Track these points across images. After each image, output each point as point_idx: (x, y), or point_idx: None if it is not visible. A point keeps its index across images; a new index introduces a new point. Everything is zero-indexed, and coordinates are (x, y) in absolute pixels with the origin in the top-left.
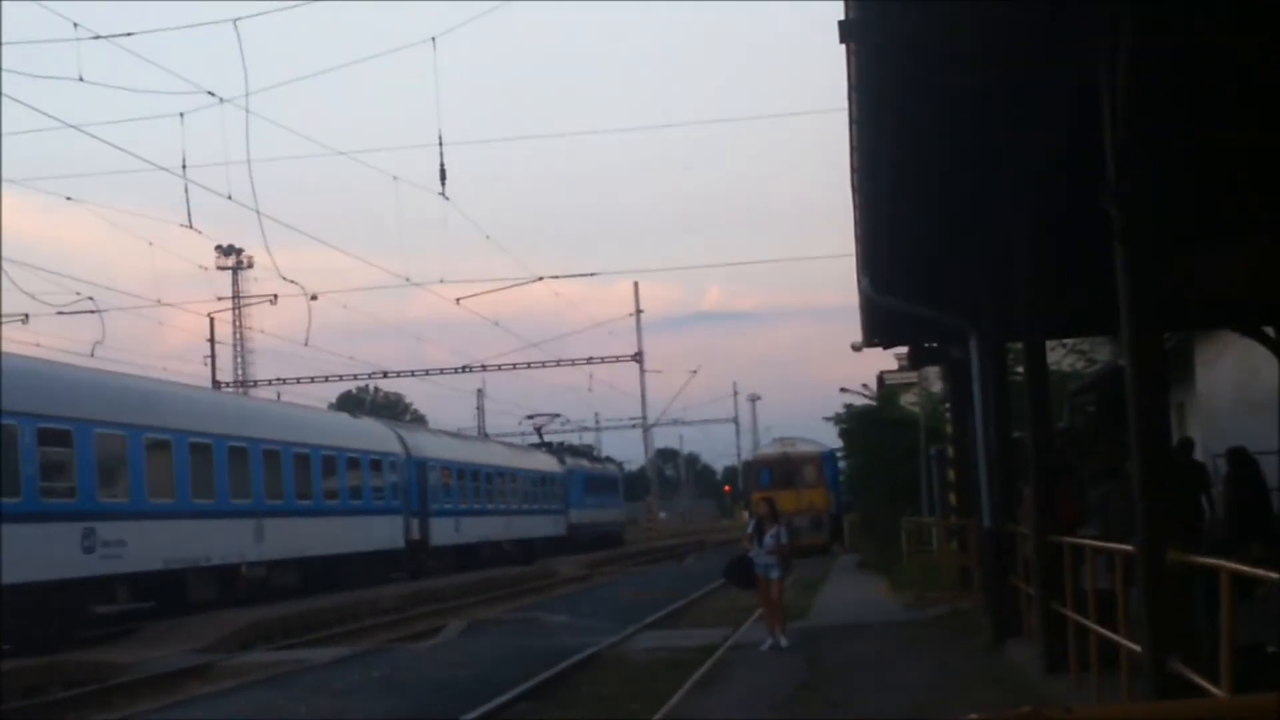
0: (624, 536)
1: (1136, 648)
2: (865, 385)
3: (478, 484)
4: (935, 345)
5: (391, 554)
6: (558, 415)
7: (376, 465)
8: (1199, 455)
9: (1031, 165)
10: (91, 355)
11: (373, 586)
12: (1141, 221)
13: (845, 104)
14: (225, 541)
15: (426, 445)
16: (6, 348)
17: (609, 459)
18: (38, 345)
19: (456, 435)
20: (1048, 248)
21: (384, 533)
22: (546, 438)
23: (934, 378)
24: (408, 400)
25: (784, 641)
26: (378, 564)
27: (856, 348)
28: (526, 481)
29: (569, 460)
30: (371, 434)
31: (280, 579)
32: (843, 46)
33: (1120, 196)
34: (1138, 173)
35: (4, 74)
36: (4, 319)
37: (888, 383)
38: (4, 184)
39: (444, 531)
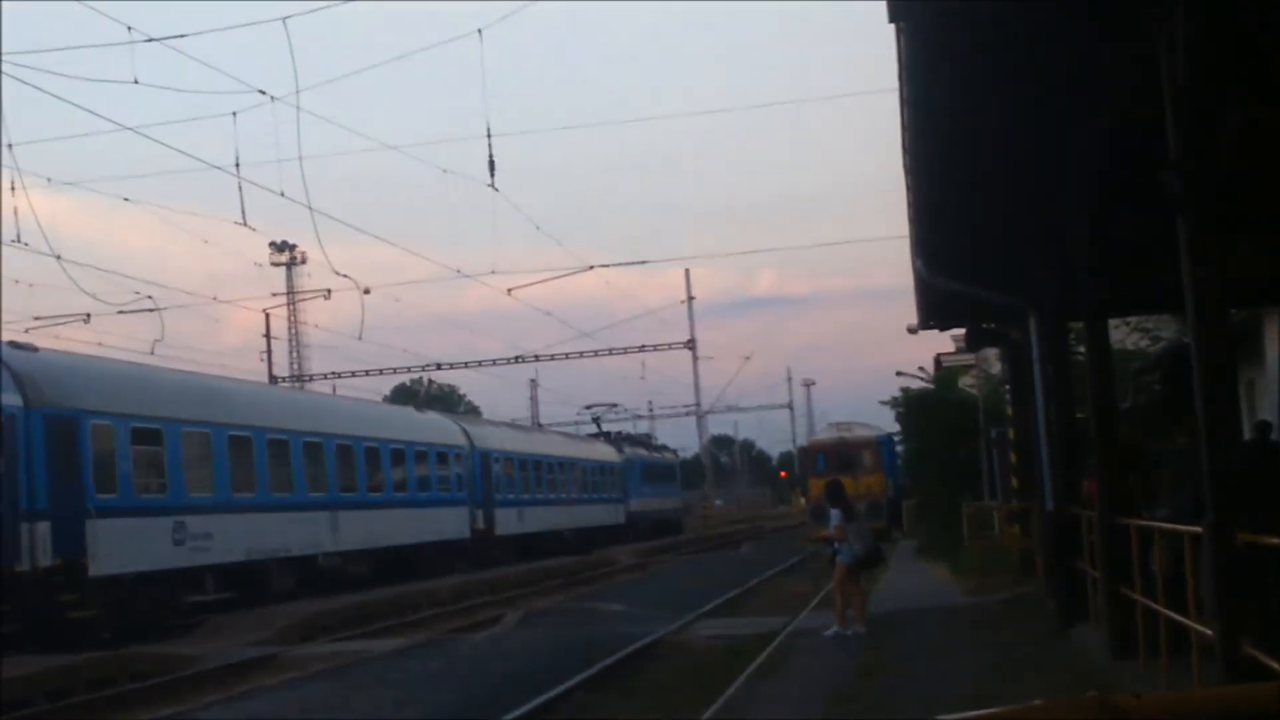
0: (682, 524)
1: (1208, 631)
2: (922, 368)
3: (539, 474)
4: (993, 326)
5: (458, 544)
6: (615, 405)
7: (443, 457)
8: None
9: (1091, 141)
10: (151, 353)
11: (441, 576)
12: (1204, 196)
13: (896, 84)
14: (303, 534)
15: (490, 437)
16: (71, 347)
17: (666, 447)
18: (99, 345)
19: (518, 427)
20: (1109, 224)
21: (451, 523)
22: (604, 427)
23: (993, 359)
24: (461, 392)
25: (850, 630)
26: (445, 554)
27: (912, 330)
28: (586, 471)
29: (627, 449)
30: (437, 427)
31: (354, 569)
32: (892, 26)
33: (1182, 171)
34: (1200, 147)
35: (60, 78)
36: (68, 319)
37: (945, 365)
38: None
39: (508, 521)
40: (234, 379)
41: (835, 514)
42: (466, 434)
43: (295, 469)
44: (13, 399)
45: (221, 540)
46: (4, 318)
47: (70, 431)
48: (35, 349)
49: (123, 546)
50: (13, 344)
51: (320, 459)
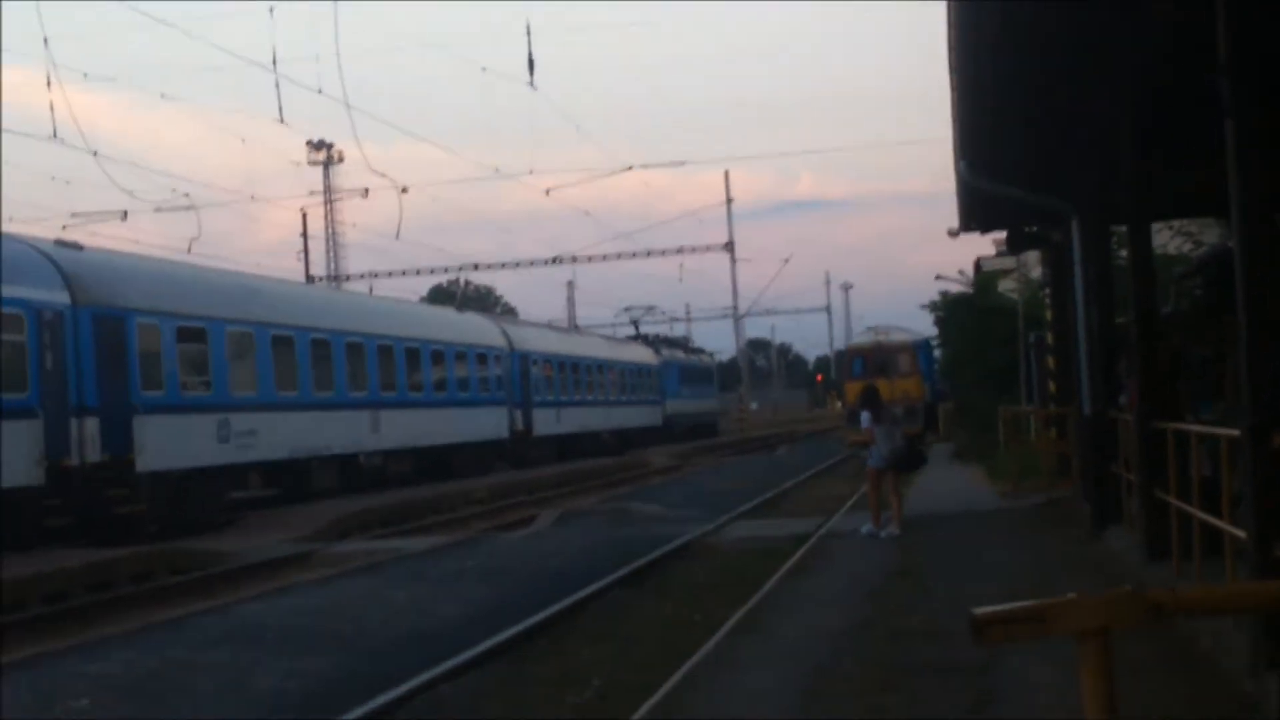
0: (719, 426)
1: (1241, 534)
2: (961, 272)
3: (577, 376)
4: (1035, 229)
5: (497, 444)
6: (654, 308)
7: (482, 358)
8: None
9: (1138, 42)
10: (188, 251)
11: (480, 476)
12: (1253, 98)
13: None
14: (344, 432)
15: (529, 339)
16: (109, 245)
17: (703, 350)
18: (136, 242)
19: (557, 329)
20: (1153, 127)
21: (490, 423)
22: (641, 329)
23: (1033, 263)
24: (498, 293)
25: (882, 532)
26: (484, 454)
27: (953, 233)
28: (624, 373)
29: (665, 352)
30: (477, 328)
31: (395, 468)
32: None
33: (1233, 72)
34: (1251, 48)
35: None
36: (105, 216)
37: (985, 269)
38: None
39: (546, 422)
40: (276, 279)
41: (865, 416)
42: (506, 335)
43: (337, 368)
44: (60, 297)
45: (265, 438)
46: (44, 214)
47: (117, 329)
48: (81, 247)
49: (169, 443)
50: (59, 242)
51: (362, 359)
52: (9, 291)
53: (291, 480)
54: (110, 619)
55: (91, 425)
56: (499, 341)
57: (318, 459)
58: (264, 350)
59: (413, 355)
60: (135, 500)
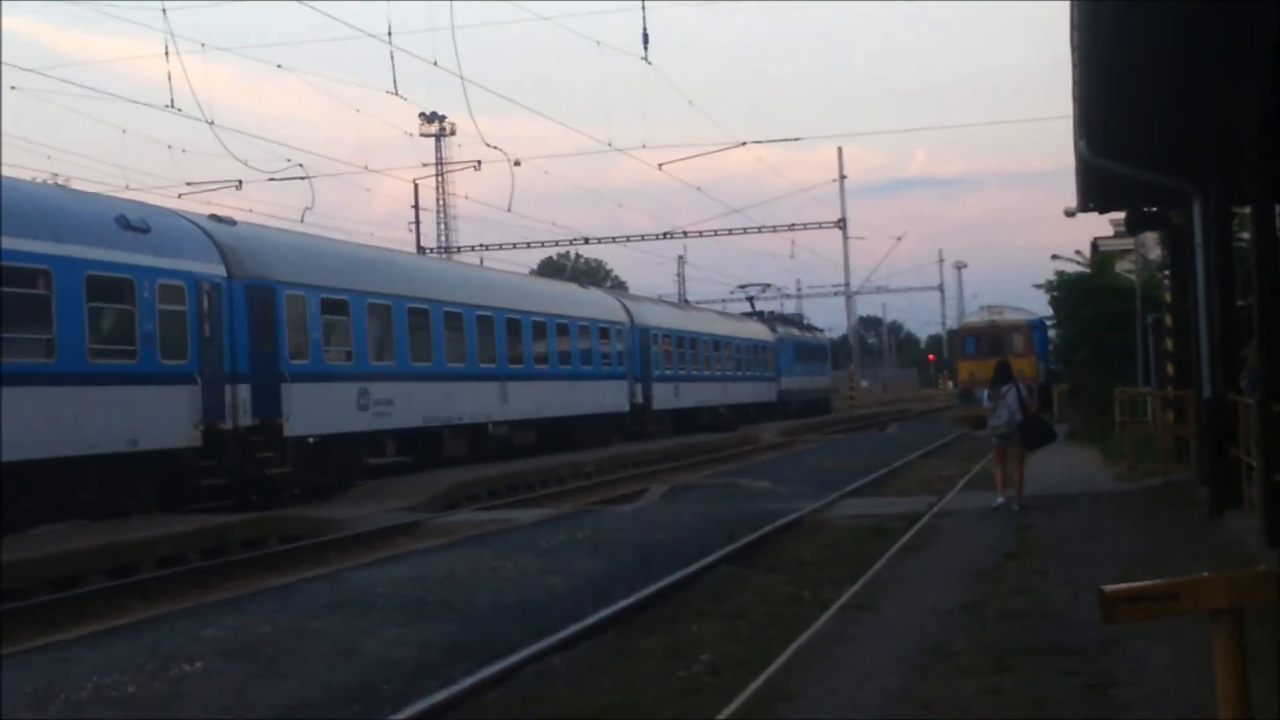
0: (831, 404)
1: None
2: (1078, 252)
3: (696, 351)
4: (1155, 210)
5: (617, 416)
6: (769, 285)
7: (605, 333)
8: None
9: (1264, 22)
10: (301, 220)
11: (602, 447)
12: None
13: None
14: (475, 402)
15: (649, 314)
16: (228, 213)
17: (817, 328)
18: (250, 210)
19: (676, 304)
20: (1278, 107)
21: (611, 396)
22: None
23: (1151, 244)
24: (608, 267)
25: (998, 502)
26: (605, 425)
27: (1070, 213)
28: (740, 349)
29: (780, 329)
30: (600, 303)
31: (521, 438)
32: None
33: None
34: None
35: None
36: (220, 185)
37: (1102, 249)
38: (218, 52)
39: (665, 396)
40: (411, 254)
41: (984, 394)
42: (627, 310)
43: (468, 341)
44: (217, 270)
45: (401, 406)
46: (161, 183)
47: (268, 301)
48: (234, 222)
49: (313, 409)
50: (214, 217)
51: (491, 332)
52: (173, 264)
53: (424, 448)
54: (223, 585)
55: (244, 391)
56: (621, 317)
57: (449, 428)
58: (400, 322)
59: (539, 329)
60: (282, 463)
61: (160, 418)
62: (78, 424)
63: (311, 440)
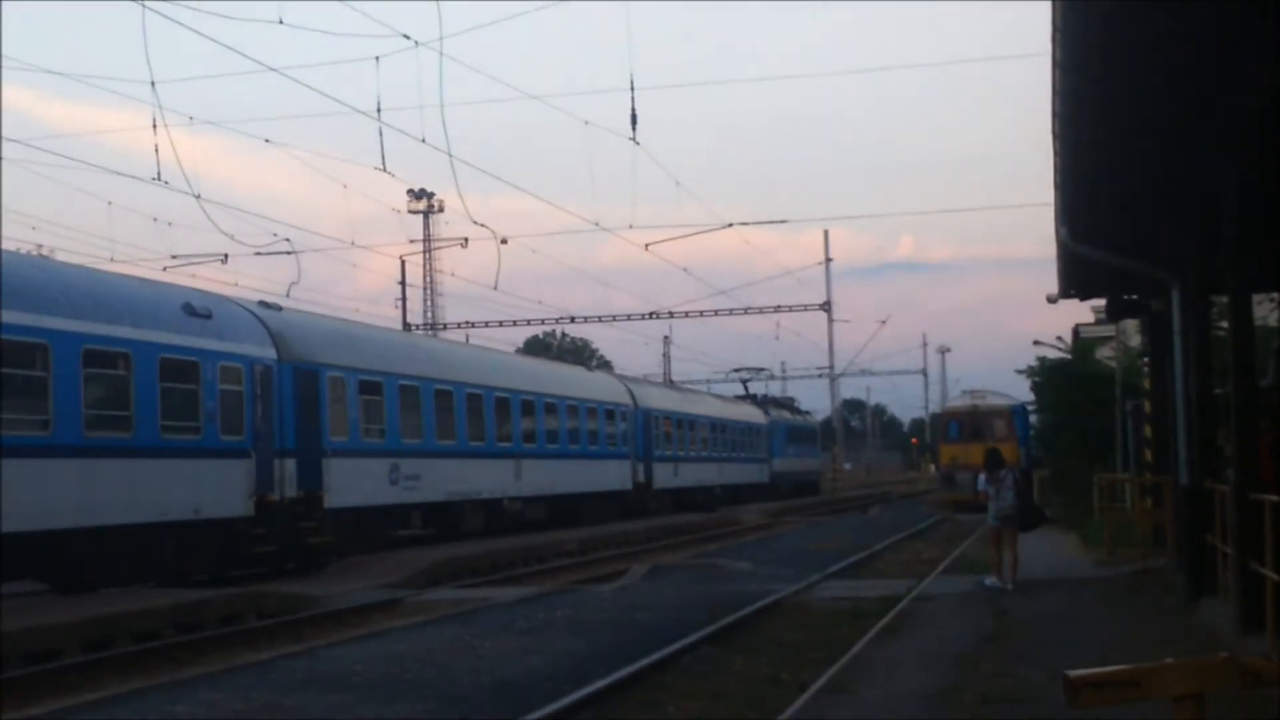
0: (820, 485)
1: None
2: (1060, 338)
3: (694, 433)
4: (1135, 297)
5: (621, 494)
6: (763, 370)
7: (610, 414)
8: None
9: (1242, 113)
10: (287, 295)
11: (605, 523)
12: None
13: (1049, 47)
14: (492, 479)
15: (652, 397)
16: (210, 288)
17: (807, 411)
18: (235, 285)
19: (677, 388)
20: (1256, 198)
21: (616, 475)
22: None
23: (1132, 331)
24: (594, 346)
25: (988, 579)
26: (609, 503)
27: (1052, 299)
28: (736, 431)
29: (772, 412)
30: (606, 386)
31: (532, 513)
32: None
33: None
34: None
35: (205, 15)
36: (205, 259)
37: (1083, 335)
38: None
39: (665, 475)
40: (438, 338)
41: (981, 479)
42: (631, 393)
43: (487, 420)
44: (269, 353)
45: (427, 481)
46: (146, 255)
47: (312, 381)
48: (280, 308)
49: (350, 483)
50: (263, 303)
51: (508, 412)
52: (231, 348)
53: (446, 521)
54: (198, 660)
55: (290, 465)
56: (625, 399)
57: (469, 502)
58: (428, 402)
59: (551, 409)
60: (323, 532)
61: (220, 489)
62: (153, 493)
63: (348, 512)
